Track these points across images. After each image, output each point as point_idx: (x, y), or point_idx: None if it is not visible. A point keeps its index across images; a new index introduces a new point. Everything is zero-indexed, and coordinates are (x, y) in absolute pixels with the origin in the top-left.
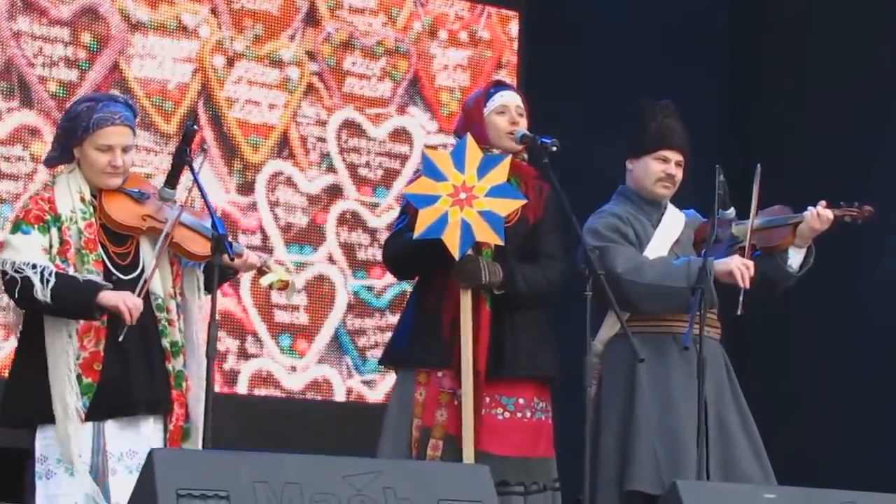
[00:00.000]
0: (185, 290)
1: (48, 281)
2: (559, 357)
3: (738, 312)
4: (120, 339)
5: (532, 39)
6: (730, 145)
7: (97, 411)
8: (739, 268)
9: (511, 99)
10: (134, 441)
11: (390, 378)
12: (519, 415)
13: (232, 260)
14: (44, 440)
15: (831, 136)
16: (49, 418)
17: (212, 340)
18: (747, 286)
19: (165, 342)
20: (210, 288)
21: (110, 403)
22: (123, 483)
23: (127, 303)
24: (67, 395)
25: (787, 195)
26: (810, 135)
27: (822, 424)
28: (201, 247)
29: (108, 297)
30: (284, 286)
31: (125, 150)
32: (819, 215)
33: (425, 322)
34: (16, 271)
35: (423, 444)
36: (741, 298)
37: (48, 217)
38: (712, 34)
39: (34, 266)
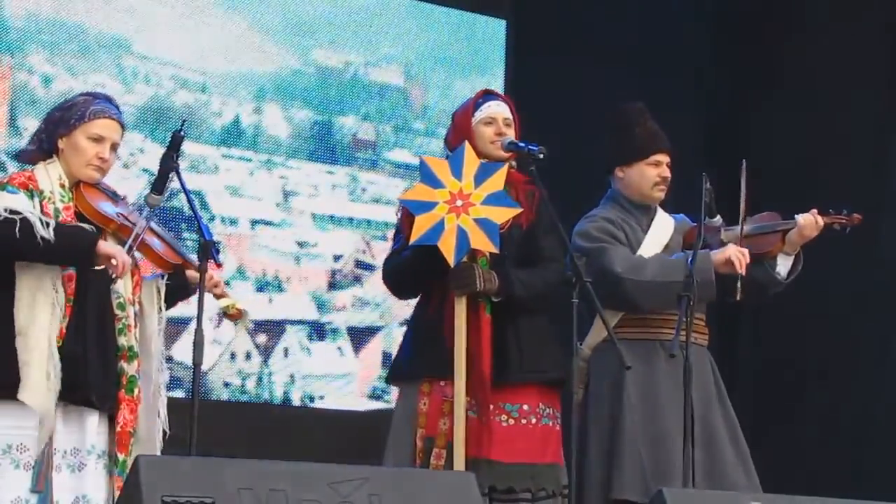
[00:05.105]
0: (143, 301)
1: (48, 224)
2: (562, 360)
3: (738, 298)
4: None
5: (518, 46)
6: (715, 152)
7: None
8: (736, 255)
9: (499, 110)
10: (78, 439)
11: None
12: (524, 421)
13: (219, 266)
14: None
15: (819, 142)
16: (8, 392)
17: (198, 347)
18: (744, 273)
19: (122, 341)
20: (171, 303)
21: (64, 382)
22: (65, 482)
23: (122, 256)
24: (48, 364)
25: (775, 202)
26: (798, 141)
27: (809, 431)
28: (167, 255)
29: (106, 245)
30: (238, 314)
31: (113, 147)
32: (809, 222)
33: (426, 333)
34: (12, 213)
35: (427, 453)
36: (739, 285)
37: (31, 187)
38: (698, 40)
39: (31, 212)
